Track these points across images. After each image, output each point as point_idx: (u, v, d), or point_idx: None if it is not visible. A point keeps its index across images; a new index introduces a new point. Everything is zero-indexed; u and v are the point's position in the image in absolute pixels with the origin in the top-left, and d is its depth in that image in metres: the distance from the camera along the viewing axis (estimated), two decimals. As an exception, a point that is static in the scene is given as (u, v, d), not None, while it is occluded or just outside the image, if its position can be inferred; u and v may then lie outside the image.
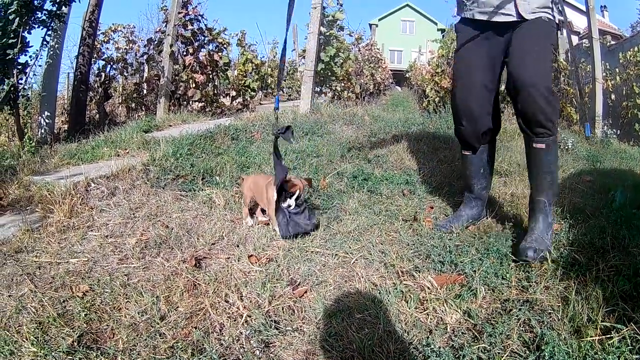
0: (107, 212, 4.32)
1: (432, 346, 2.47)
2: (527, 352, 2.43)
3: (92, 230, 4.04)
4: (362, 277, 3.19)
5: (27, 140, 7.89)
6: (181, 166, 5.31)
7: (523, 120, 3.61)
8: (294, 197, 3.82)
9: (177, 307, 2.91)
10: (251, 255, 3.45)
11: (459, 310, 2.77)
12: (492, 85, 3.85)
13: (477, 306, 2.81)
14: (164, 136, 6.79)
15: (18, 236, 3.91)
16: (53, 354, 2.50)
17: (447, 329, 2.65)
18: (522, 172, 5.41)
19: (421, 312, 2.81)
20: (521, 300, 2.85)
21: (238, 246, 3.59)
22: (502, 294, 2.95)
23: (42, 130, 9.35)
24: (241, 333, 2.67)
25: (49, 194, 4.58)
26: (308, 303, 2.94)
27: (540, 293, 2.91)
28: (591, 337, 2.45)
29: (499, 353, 2.41)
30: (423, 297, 2.93)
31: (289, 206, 3.82)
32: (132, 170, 5.19)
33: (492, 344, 2.48)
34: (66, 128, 10.69)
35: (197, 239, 3.74)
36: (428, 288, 3.00)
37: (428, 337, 2.58)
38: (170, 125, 8.17)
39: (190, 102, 10.63)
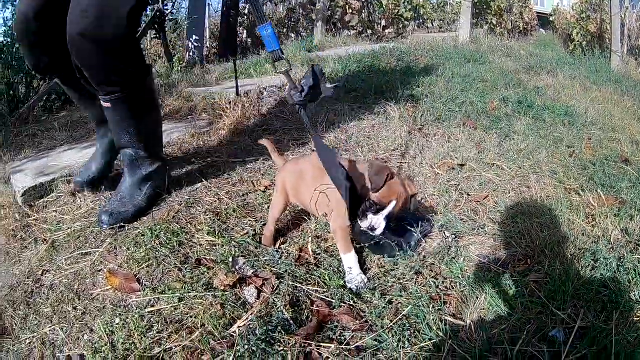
0: (282, 118, 4.51)
1: (600, 252, 2.60)
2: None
3: (268, 133, 4.25)
4: (536, 188, 3.32)
5: (177, 62, 8.25)
6: (352, 81, 5.45)
7: None
8: (386, 211, 2.37)
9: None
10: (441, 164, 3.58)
11: (618, 227, 2.87)
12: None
13: (632, 226, 2.90)
14: (328, 55, 6.96)
15: (185, 139, 4.14)
16: (233, 243, 2.70)
17: (610, 241, 2.76)
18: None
19: (587, 224, 2.93)
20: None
21: (416, 158, 3.69)
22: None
23: (190, 54, 9.70)
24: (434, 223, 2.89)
25: (219, 101, 4.86)
26: (491, 206, 3.10)
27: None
28: None
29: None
30: (588, 212, 3.07)
31: (372, 228, 2.38)
32: None
33: (648, 257, 2.60)
34: (214, 52, 11.04)
35: (377, 144, 3.88)
36: (592, 205, 3.13)
37: (595, 245, 2.70)
38: (331, 47, 8.33)
39: (347, 27, 10.73)
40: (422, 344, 2.02)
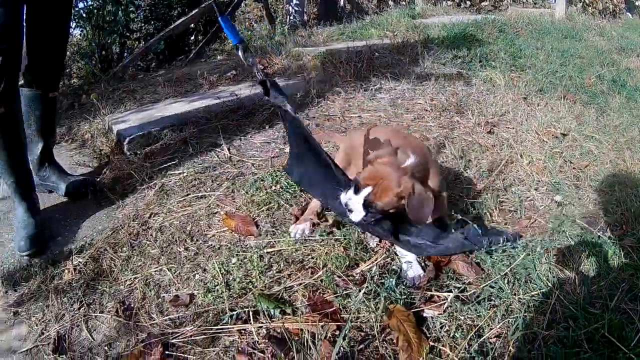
0: (394, 80, 4.51)
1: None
2: None
3: (380, 93, 4.27)
4: (630, 162, 3.33)
5: (279, 24, 8.28)
6: (457, 48, 5.41)
7: None
8: (360, 196, 2.04)
9: (480, 161, 3.15)
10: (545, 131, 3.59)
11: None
12: None
13: None
14: (432, 22, 6.89)
15: (300, 94, 4.19)
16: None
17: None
18: None
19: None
20: None
21: (523, 123, 3.68)
22: None
23: (291, 17, 9.69)
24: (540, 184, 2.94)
25: (330, 61, 4.93)
26: (591, 174, 3.11)
27: None
28: None
29: None
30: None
31: (348, 207, 2.09)
32: (412, 47, 5.40)
33: None
34: (313, 16, 11.01)
35: (486, 109, 3.88)
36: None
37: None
38: (433, 15, 8.24)
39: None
40: (533, 292, 2.08)
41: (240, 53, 2.46)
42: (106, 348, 2.07)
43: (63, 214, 2.97)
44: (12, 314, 2.34)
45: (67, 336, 2.15)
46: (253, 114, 3.89)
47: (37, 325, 2.22)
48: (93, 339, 2.13)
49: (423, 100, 4.05)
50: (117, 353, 2.03)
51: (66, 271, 2.49)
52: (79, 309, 2.27)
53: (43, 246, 2.72)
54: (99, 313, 2.24)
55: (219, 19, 2.48)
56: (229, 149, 3.33)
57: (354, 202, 2.05)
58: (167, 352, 1.96)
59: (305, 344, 1.84)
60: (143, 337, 2.05)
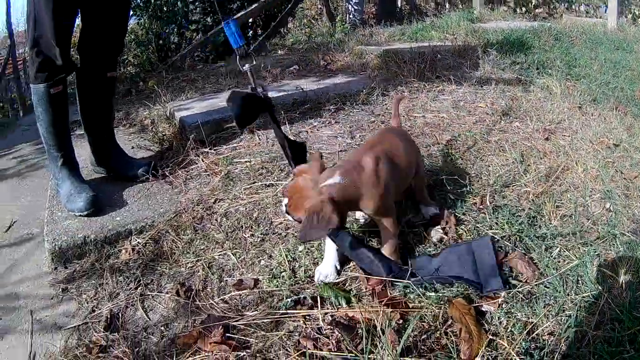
0: (455, 82, 4.55)
1: None
2: None
3: (442, 94, 4.31)
4: (677, 175, 3.32)
5: (340, 23, 8.28)
6: (516, 54, 5.39)
7: None
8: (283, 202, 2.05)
9: (539, 167, 3.14)
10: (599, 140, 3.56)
11: None
12: None
13: None
14: (489, 27, 6.85)
15: (364, 92, 4.22)
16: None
17: None
18: None
19: None
20: None
21: (578, 132, 3.66)
22: None
23: (350, 16, 9.69)
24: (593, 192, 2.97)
25: (394, 60, 4.97)
26: (638, 185, 3.07)
27: None
28: None
29: None
30: None
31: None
32: (473, 51, 5.42)
33: None
34: (372, 16, 10.97)
35: (544, 116, 3.87)
36: None
37: None
38: (490, 20, 8.15)
39: (502, 2, 10.35)
40: (584, 294, 2.10)
41: (239, 60, 2.45)
42: (162, 328, 2.08)
43: (122, 196, 2.99)
44: (60, 290, 2.39)
45: (120, 315, 2.16)
46: (319, 108, 3.93)
47: (87, 303, 2.27)
48: (149, 318, 2.15)
49: (484, 103, 4.07)
50: (174, 334, 2.02)
51: (123, 251, 2.54)
52: (136, 288, 2.30)
53: (101, 207, 2.79)
54: (157, 293, 2.27)
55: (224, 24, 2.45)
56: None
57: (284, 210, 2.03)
58: (227, 335, 1.93)
59: (373, 331, 1.84)
60: (203, 318, 2.05)
